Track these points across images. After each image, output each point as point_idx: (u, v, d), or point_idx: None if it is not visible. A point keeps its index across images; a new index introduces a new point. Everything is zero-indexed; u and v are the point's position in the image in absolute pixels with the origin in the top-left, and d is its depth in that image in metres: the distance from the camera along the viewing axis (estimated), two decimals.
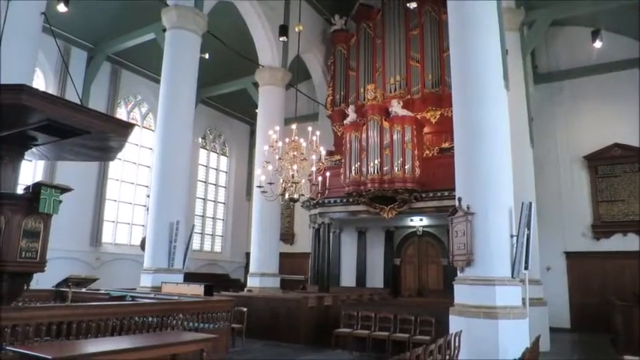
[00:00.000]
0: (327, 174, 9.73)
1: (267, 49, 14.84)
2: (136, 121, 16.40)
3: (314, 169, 8.64)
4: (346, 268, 16.14)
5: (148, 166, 16.27)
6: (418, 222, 14.89)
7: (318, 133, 9.17)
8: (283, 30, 12.27)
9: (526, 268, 6.80)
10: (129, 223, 15.98)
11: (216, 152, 20.40)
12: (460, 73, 7.53)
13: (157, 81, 12.44)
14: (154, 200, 10.78)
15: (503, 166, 7.06)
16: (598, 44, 12.68)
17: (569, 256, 14.33)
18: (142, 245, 11.77)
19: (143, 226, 15.56)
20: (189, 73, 11.44)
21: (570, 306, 14.06)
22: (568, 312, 13.99)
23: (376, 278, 15.57)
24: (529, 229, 6.81)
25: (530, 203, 6.86)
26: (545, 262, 13.26)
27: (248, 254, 14.60)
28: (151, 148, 16.14)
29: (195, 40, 11.56)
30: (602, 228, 14.06)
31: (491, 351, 6.32)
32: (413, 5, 13.43)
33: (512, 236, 6.78)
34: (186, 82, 11.32)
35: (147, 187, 16.02)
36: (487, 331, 6.40)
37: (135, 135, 16.10)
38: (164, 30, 11.72)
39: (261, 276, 13.54)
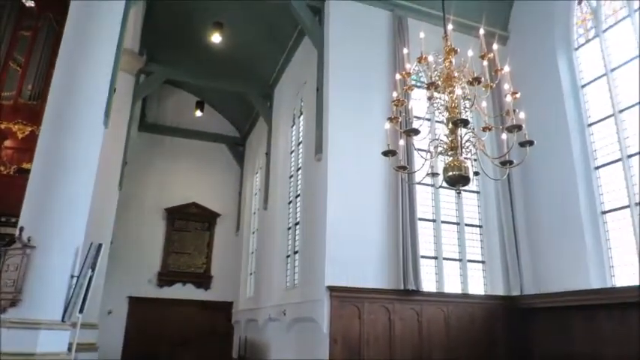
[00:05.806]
0: None
1: None
2: None
3: None
4: None
5: None
6: None
7: None
8: None
9: (81, 311, 6.50)
10: None
11: None
12: (60, 92, 6.91)
13: None
14: None
15: (82, 202, 6.73)
16: (199, 114, 14.32)
17: (132, 300, 14.72)
18: None
19: None
20: None
21: (123, 350, 14.21)
22: (120, 356, 14.10)
23: None
24: (93, 270, 6.62)
25: (100, 245, 6.73)
26: (109, 306, 13.22)
27: None
28: None
29: None
30: (167, 276, 15.30)
31: None
32: (30, 4, 11.83)
33: (72, 277, 6.41)
34: None
35: None
36: None
37: None
38: None
39: None
